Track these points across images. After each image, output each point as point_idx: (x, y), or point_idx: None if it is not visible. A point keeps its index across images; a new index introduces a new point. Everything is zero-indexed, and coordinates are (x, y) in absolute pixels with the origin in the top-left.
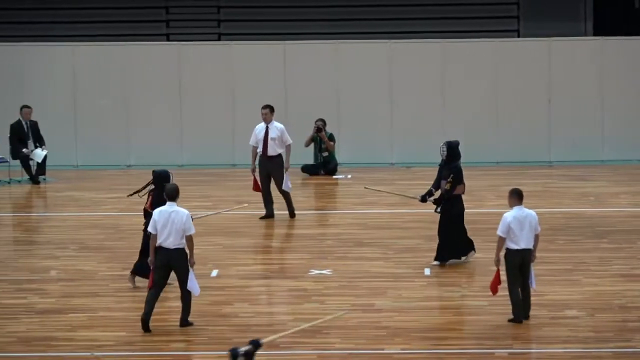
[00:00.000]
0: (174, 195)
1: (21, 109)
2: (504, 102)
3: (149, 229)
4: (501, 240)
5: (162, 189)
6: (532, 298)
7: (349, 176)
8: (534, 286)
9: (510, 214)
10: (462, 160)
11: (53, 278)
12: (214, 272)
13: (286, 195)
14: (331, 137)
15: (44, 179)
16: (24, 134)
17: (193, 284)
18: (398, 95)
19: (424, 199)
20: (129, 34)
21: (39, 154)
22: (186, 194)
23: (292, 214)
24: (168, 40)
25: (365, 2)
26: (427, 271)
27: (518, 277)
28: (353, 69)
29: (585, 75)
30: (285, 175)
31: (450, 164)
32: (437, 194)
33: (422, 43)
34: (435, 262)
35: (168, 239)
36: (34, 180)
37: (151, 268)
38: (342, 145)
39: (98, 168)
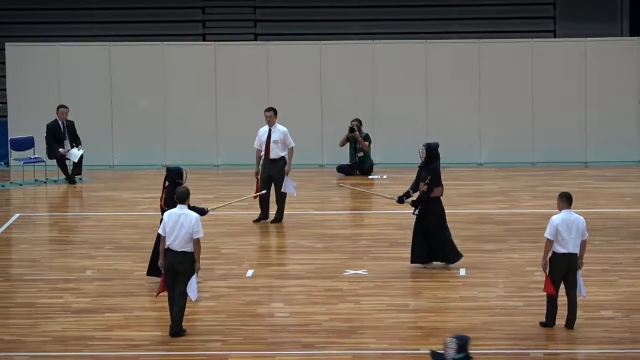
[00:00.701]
0: (184, 198)
1: (58, 108)
2: (540, 102)
3: (159, 230)
4: (549, 243)
5: (174, 186)
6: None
7: (385, 176)
8: (584, 294)
9: (558, 217)
10: (500, 160)
11: (89, 277)
12: (250, 272)
13: (282, 200)
14: (367, 137)
15: (80, 179)
16: (61, 134)
17: (193, 289)
18: (434, 95)
19: (400, 200)
20: (165, 34)
21: (75, 153)
22: (221, 193)
23: (278, 219)
24: (204, 40)
25: (401, 3)
26: (462, 271)
27: (560, 282)
28: (389, 69)
29: (621, 75)
30: (286, 179)
31: (429, 166)
32: (415, 195)
33: (458, 43)
34: (446, 264)
35: (175, 242)
36: (70, 180)
37: (162, 272)
38: (377, 145)
39: (134, 168)
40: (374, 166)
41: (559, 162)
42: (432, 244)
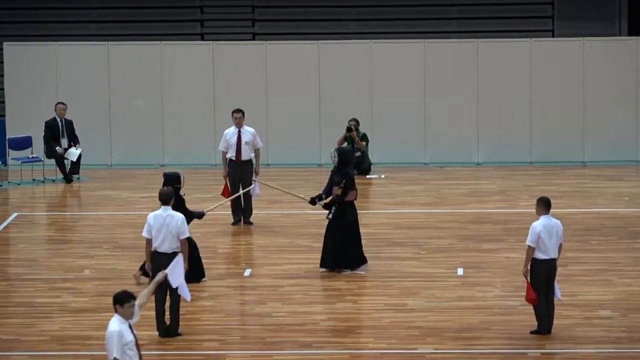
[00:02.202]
0: (168, 199)
1: (56, 105)
2: (538, 102)
3: (144, 233)
4: (531, 250)
5: (174, 191)
6: (565, 298)
7: (383, 176)
8: (560, 296)
9: (540, 223)
10: (498, 160)
11: (87, 277)
12: (247, 272)
13: (250, 201)
14: (364, 137)
15: (78, 178)
16: (58, 132)
17: (184, 290)
18: (432, 95)
19: (313, 202)
20: (163, 34)
21: (73, 152)
22: (219, 192)
23: (250, 220)
24: (202, 39)
25: (400, 2)
26: (460, 271)
27: (544, 288)
28: (387, 69)
29: (619, 75)
30: (254, 181)
31: (342, 171)
32: (328, 200)
33: (456, 43)
34: (347, 271)
35: (164, 244)
36: (67, 179)
37: (150, 274)
38: (375, 145)
39: (132, 167)
40: (371, 166)
41: (557, 161)
42: (338, 249)
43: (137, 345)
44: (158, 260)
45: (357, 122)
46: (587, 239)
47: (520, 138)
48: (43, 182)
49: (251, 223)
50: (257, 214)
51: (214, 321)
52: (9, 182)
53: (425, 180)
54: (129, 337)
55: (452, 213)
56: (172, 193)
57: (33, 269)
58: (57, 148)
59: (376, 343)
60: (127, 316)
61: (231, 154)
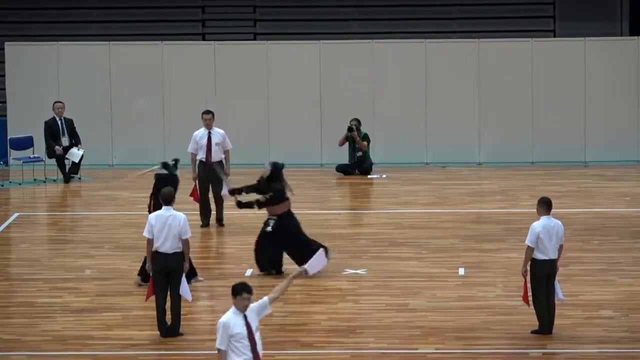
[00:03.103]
0: (170, 199)
1: (53, 104)
2: (539, 102)
3: (145, 233)
4: (530, 250)
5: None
6: (566, 298)
7: (384, 176)
8: (562, 298)
9: (539, 224)
10: (499, 160)
11: (88, 277)
12: (248, 272)
13: (221, 202)
14: (365, 137)
15: (79, 178)
16: (58, 131)
17: (185, 290)
18: (433, 95)
19: (236, 192)
20: (164, 34)
21: (75, 153)
22: None
23: (221, 221)
24: (204, 39)
25: (401, 2)
26: (461, 271)
27: (544, 288)
28: (388, 69)
29: (621, 75)
30: (225, 182)
31: (270, 184)
32: (247, 197)
33: (458, 43)
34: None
35: (165, 244)
36: (66, 178)
37: (150, 275)
38: (377, 145)
39: (133, 167)
40: (373, 166)
41: (559, 161)
42: (292, 254)
43: (251, 337)
44: (158, 261)
45: (359, 122)
46: (589, 239)
47: (522, 138)
48: (44, 182)
49: (223, 225)
50: (259, 213)
51: (215, 321)
52: (10, 182)
53: (426, 180)
54: (238, 329)
55: (454, 213)
56: (173, 193)
57: (34, 269)
58: (56, 147)
59: (377, 343)
60: (240, 308)
61: (201, 156)
